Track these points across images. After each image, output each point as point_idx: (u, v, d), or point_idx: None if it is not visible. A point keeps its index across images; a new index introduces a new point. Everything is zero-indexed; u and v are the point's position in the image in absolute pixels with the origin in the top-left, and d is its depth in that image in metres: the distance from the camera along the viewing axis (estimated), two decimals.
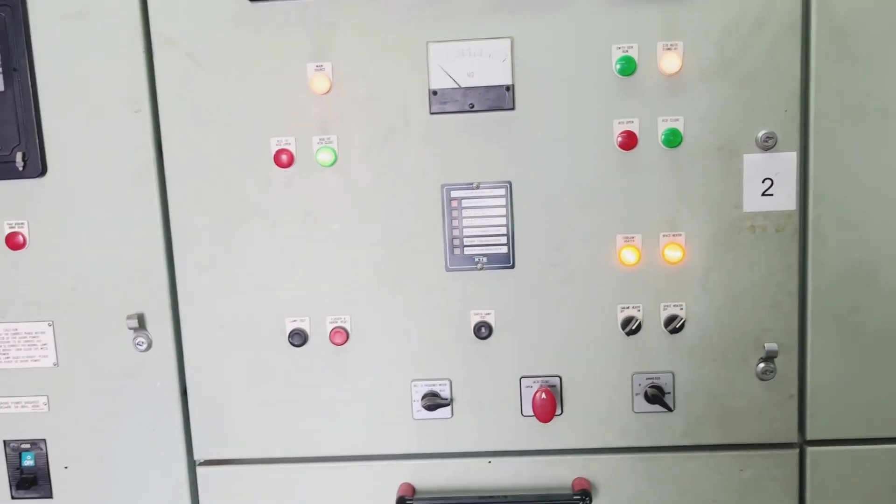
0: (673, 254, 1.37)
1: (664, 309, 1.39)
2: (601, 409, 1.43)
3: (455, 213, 1.39)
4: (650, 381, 1.41)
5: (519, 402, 1.43)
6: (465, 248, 1.40)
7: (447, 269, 1.41)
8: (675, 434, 1.43)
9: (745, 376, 1.40)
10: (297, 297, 1.43)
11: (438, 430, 1.46)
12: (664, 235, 1.37)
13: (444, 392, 1.44)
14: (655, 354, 1.41)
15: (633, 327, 1.37)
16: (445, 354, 1.44)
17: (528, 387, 1.42)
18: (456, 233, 1.40)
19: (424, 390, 1.44)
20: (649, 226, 1.37)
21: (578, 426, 1.44)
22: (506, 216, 1.38)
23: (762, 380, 1.39)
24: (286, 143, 1.38)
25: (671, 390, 1.41)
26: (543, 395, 1.37)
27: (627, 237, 1.38)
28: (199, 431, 1.47)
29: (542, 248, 1.39)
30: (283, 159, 1.38)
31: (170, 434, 1.47)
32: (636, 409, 1.42)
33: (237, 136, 1.38)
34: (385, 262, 1.41)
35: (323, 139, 1.38)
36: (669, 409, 1.38)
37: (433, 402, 1.41)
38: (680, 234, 1.37)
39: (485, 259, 1.40)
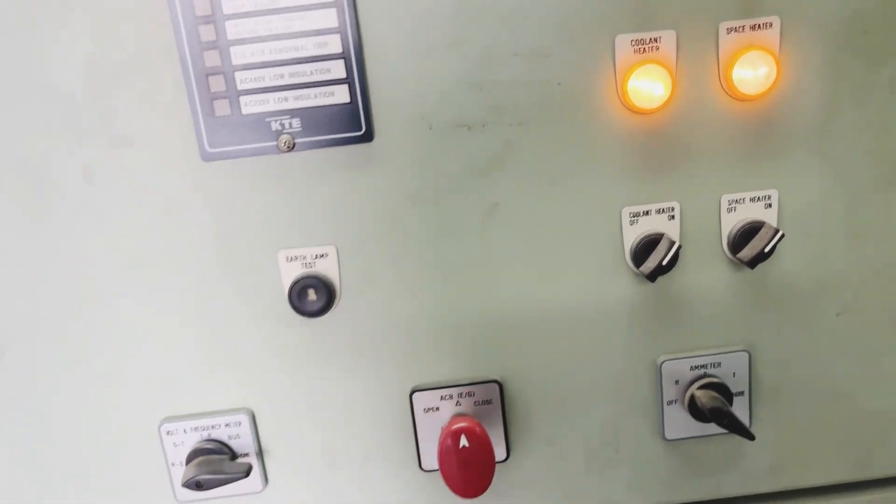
0: (750, 74, 0.56)
1: (730, 208, 0.60)
2: (595, 439, 0.65)
3: (202, 8, 0.54)
4: (699, 372, 0.63)
5: (413, 444, 0.64)
6: (244, 100, 0.56)
7: (205, 158, 0.57)
8: (754, 474, 0.67)
9: None
10: None
11: None
12: (730, 29, 0.56)
13: (240, 439, 0.63)
14: (710, 315, 0.62)
15: (662, 260, 0.57)
16: (233, 359, 0.62)
17: (428, 410, 0.63)
18: (211, 60, 0.55)
19: (195, 441, 0.63)
20: (697, 9, 0.55)
21: (546, 479, 0.66)
22: (336, 3, 0.54)
23: None
24: None
25: (746, 388, 0.63)
26: (465, 442, 0.57)
27: (640, 41, 0.56)
28: None
29: (434, 86, 0.56)
30: None
31: None
32: (669, 435, 0.64)
33: None
34: (55, 141, 0.56)
35: None
36: (746, 436, 0.60)
37: (211, 470, 0.60)
38: (769, 24, 0.56)
39: (294, 125, 0.56)
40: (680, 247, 0.57)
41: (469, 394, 0.62)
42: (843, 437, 0.66)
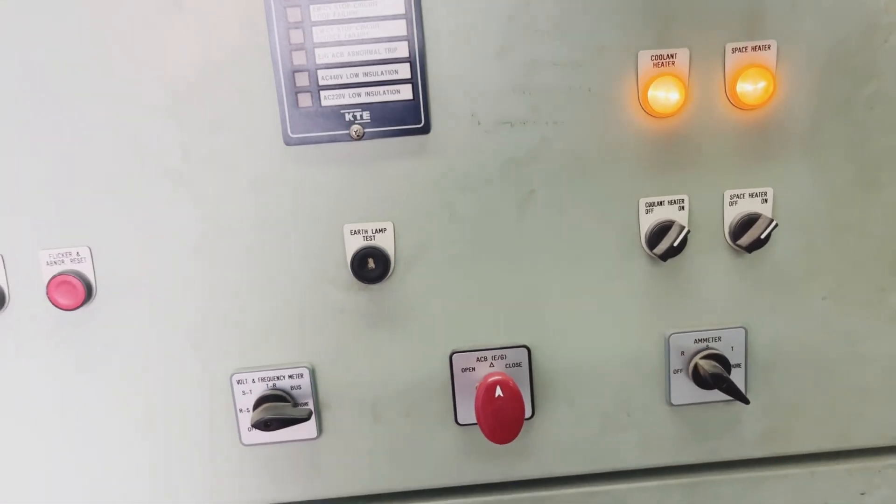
0: (750, 88, 0.66)
1: (731, 202, 0.70)
2: (609, 403, 0.74)
3: (294, 16, 0.64)
4: (702, 345, 0.72)
5: (451, 399, 0.73)
6: (324, 94, 0.66)
7: (287, 142, 0.67)
8: (747, 440, 0.76)
9: (877, 321, 0.73)
10: None
11: (292, 464, 0.74)
12: (735, 49, 0.66)
13: (301, 390, 0.72)
14: (712, 295, 0.72)
15: (674, 242, 0.67)
16: (299, 318, 0.71)
17: (465, 370, 0.72)
18: (300, 59, 0.65)
19: (261, 390, 0.72)
20: (707, 31, 0.66)
21: (565, 437, 0.75)
22: (405, 16, 0.64)
23: None
24: None
25: (742, 360, 0.73)
26: (499, 392, 0.67)
27: (659, 56, 0.66)
28: None
29: (483, 88, 0.67)
30: None
31: None
32: (675, 401, 0.74)
33: None
34: (160, 124, 0.66)
35: None
36: (742, 400, 0.70)
37: (277, 413, 0.69)
38: (767, 46, 0.66)
39: (364, 116, 0.66)
40: (689, 231, 0.67)
41: (501, 356, 0.72)
42: (826, 410, 0.75)
